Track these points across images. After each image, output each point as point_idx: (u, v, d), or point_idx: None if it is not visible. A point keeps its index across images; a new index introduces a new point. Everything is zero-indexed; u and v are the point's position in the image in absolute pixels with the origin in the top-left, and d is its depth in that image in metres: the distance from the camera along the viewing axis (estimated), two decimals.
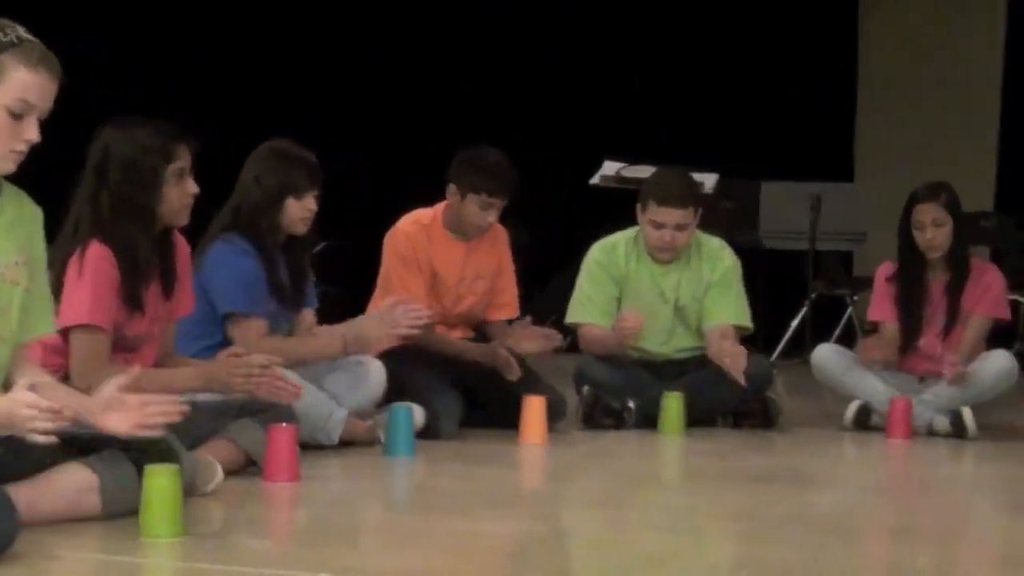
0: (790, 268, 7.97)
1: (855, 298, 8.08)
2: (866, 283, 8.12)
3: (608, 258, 5.11)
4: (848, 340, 7.66)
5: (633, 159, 7.91)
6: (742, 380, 4.69)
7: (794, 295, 7.93)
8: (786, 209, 7.84)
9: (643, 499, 3.70)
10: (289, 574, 2.54)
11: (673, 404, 4.80)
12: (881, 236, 7.76)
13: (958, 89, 9.21)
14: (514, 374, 4.68)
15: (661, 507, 3.58)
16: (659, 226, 4.96)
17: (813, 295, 7.84)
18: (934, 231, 5.06)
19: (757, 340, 7.29)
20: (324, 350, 4.14)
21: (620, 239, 5.16)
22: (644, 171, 7.82)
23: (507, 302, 4.95)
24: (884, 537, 3.19)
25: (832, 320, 8.06)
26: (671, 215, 4.93)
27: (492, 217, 4.74)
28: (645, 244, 5.06)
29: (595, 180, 7.89)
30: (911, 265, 5.18)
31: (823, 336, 7.74)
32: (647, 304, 5.05)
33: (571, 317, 5.15)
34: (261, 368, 3.58)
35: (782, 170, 8.16)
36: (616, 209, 8.27)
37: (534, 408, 4.55)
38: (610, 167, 7.89)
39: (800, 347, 7.77)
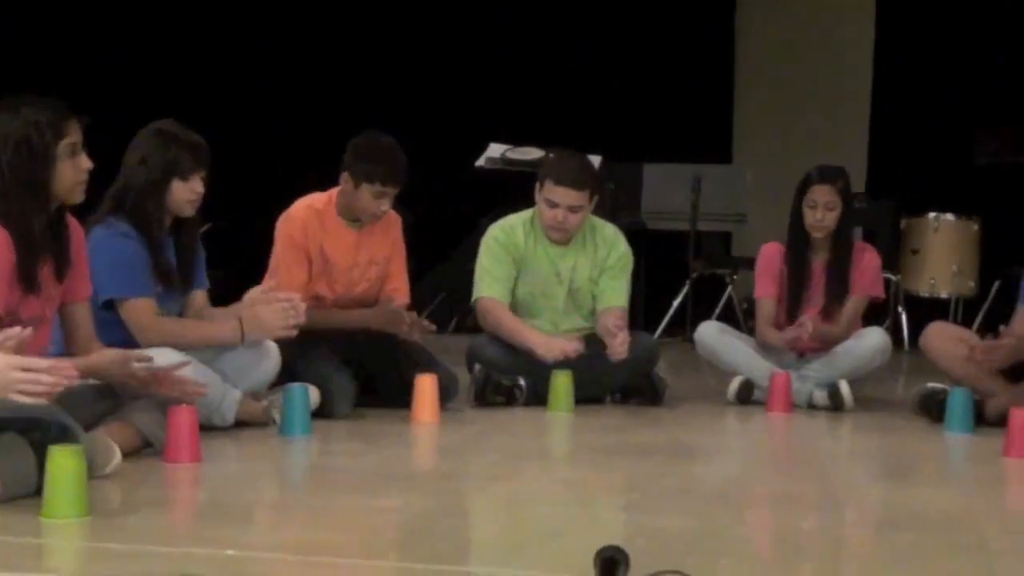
0: (672, 248, 8.14)
1: (735, 277, 8.27)
2: (745, 263, 8.35)
3: (507, 237, 5.19)
4: (728, 318, 7.87)
5: (518, 141, 8.02)
6: (616, 355, 4.80)
7: (676, 275, 8.10)
8: (667, 190, 8.00)
9: (536, 474, 3.78)
10: (194, 551, 2.57)
11: (562, 381, 4.90)
12: (760, 217, 7.99)
13: (831, 74, 9.48)
14: (404, 324, 4.72)
15: (554, 481, 3.67)
16: (553, 205, 5.05)
17: (694, 275, 8.03)
18: (824, 213, 5.24)
19: (639, 319, 7.47)
20: (223, 338, 4.14)
21: (518, 220, 5.24)
22: (529, 153, 7.97)
23: (398, 287, 5.00)
24: (769, 505, 3.32)
25: (712, 299, 8.24)
26: (566, 195, 5.02)
27: (386, 206, 4.78)
28: (540, 222, 5.14)
29: (480, 162, 7.97)
30: (798, 244, 5.35)
31: (704, 314, 7.92)
32: (543, 284, 5.15)
33: (476, 292, 5.21)
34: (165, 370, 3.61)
35: (663, 152, 8.33)
36: (501, 191, 8.40)
37: (425, 387, 4.61)
38: (495, 149, 7.98)
39: (682, 325, 7.95)
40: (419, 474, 3.82)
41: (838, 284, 5.30)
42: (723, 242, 8.87)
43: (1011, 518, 3.33)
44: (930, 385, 4.90)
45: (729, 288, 8.26)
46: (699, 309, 8.02)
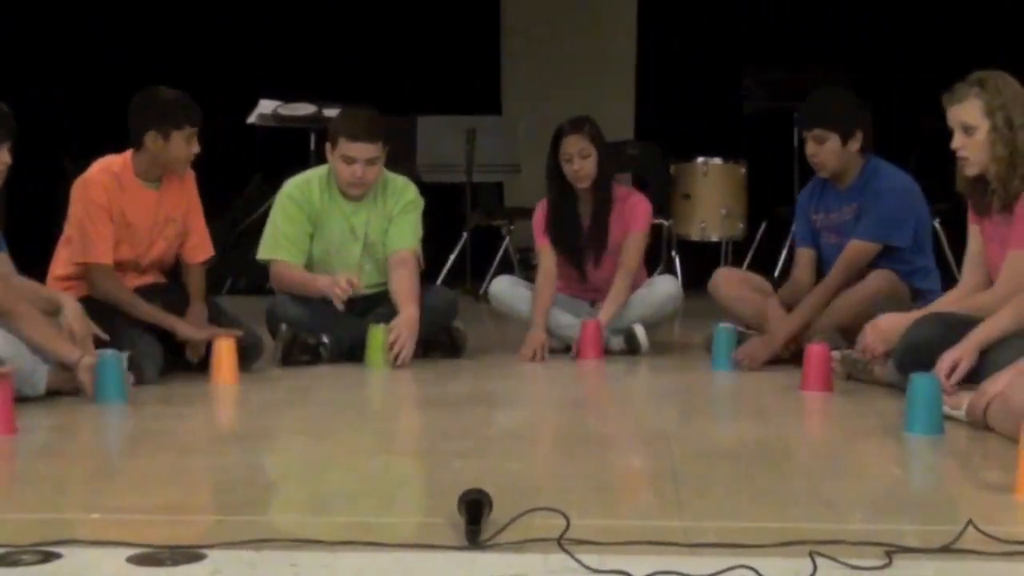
0: (448, 200, 8.37)
1: (511, 228, 8.56)
2: (520, 213, 8.66)
3: (302, 194, 5.31)
4: (507, 269, 8.16)
5: (288, 98, 8.09)
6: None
7: (453, 226, 8.34)
8: (442, 143, 8.22)
9: (364, 426, 3.97)
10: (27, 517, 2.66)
11: (378, 336, 5.07)
12: (532, 167, 8.29)
13: (596, 21, 9.83)
14: (198, 352, 4.82)
15: (384, 432, 3.86)
16: (350, 161, 5.20)
17: (471, 226, 8.28)
18: (581, 162, 5.53)
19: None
20: (56, 350, 4.18)
21: (313, 176, 5.37)
22: (301, 109, 8.06)
23: (199, 243, 5.07)
24: (597, 445, 3.59)
25: (490, 250, 8.51)
26: (362, 149, 5.18)
27: (197, 147, 4.84)
28: (337, 181, 5.29)
29: (252, 119, 8.02)
30: (562, 198, 5.63)
31: (483, 266, 8.22)
32: (338, 241, 5.30)
33: (264, 253, 5.33)
34: None
35: (435, 104, 8.53)
36: (275, 147, 8.47)
37: (223, 349, 4.72)
38: (266, 106, 8.04)
39: (461, 277, 8.21)
40: (250, 433, 3.90)
41: (604, 232, 5.58)
42: (498, 193, 9.14)
43: (822, 444, 3.71)
44: (722, 325, 5.27)
45: (507, 239, 8.53)
46: (477, 261, 8.30)
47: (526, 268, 8.51)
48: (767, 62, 8.61)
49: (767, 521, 2.61)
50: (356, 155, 5.19)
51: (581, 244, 5.60)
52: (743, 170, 8.53)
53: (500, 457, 3.35)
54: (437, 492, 2.88)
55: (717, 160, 8.54)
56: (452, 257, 8.36)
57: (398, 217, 5.36)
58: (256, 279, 8.08)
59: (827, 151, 5.16)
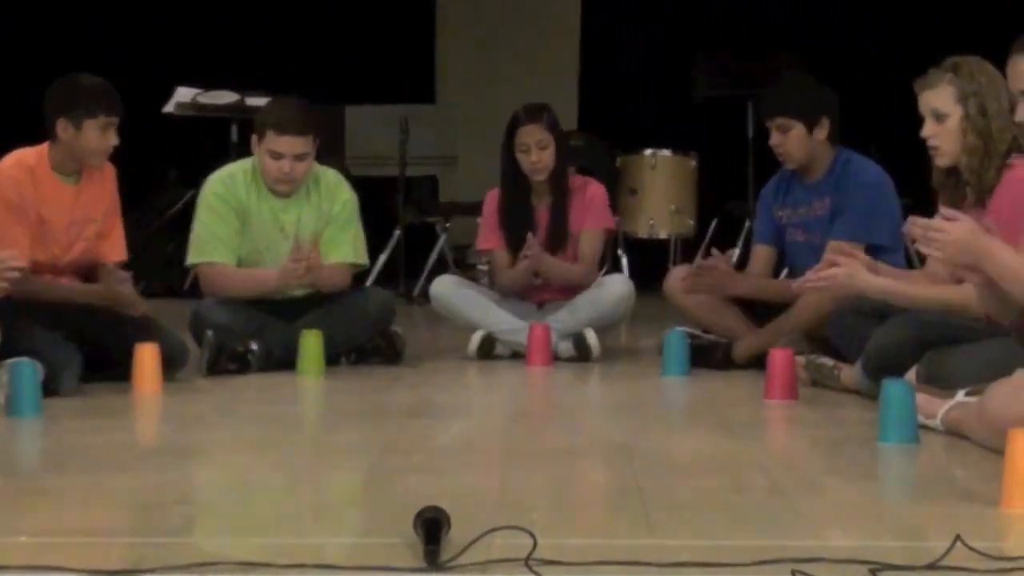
0: (379, 196, 8.36)
1: (447, 225, 8.57)
2: (457, 209, 8.69)
3: (228, 190, 5.29)
4: (442, 269, 8.17)
5: (209, 85, 8.05)
6: None
7: (384, 224, 8.33)
8: (373, 133, 8.23)
9: (303, 440, 3.96)
10: None
11: (312, 342, 5.06)
12: (469, 159, 8.32)
13: (537, 5, 9.86)
14: (137, 308, 4.79)
15: (326, 447, 3.85)
16: (277, 156, 5.19)
17: (404, 223, 8.28)
18: (539, 153, 5.56)
19: None
20: None
21: (238, 170, 5.36)
22: (222, 97, 8.02)
23: (114, 243, 5.03)
24: (554, 459, 3.61)
25: (423, 249, 8.51)
26: (291, 144, 5.17)
27: (114, 138, 4.80)
28: (264, 176, 5.27)
29: (169, 108, 7.97)
30: (516, 190, 5.66)
31: (416, 266, 8.23)
32: (267, 239, 5.29)
33: (195, 256, 5.30)
34: None
35: (365, 93, 8.53)
36: (193, 139, 8.42)
37: (146, 357, 4.69)
38: (184, 94, 8.00)
39: (393, 278, 8.20)
40: (179, 448, 3.87)
41: (562, 227, 5.62)
42: (432, 187, 9.15)
43: (793, 456, 3.76)
44: (678, 329, 5.32)
45: (443, 237, 8.54)
46: (410, 260, 8.31)
47: (462, 269, 8.53)
48: (719, 48, 8.68)
49: (743, 538, 2.65)
50: (284, 150, 5.18)
51: (537, 240, 5.62)
52: (694, 163, 8.61)
53: (453, 472, 3.36)
54: (390, 510, 2.89)
55: (666, 152, 8.61)
56: (383, 257, 8.35)
57: (338, 222, 5.35)
58: (171, 281, 8.04)
59: (791, 140, 5.21)
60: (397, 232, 8.24)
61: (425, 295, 8.02)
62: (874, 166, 5.26)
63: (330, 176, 5.45)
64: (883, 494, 3.18)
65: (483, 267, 9.08)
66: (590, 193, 5.68)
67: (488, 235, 5.74)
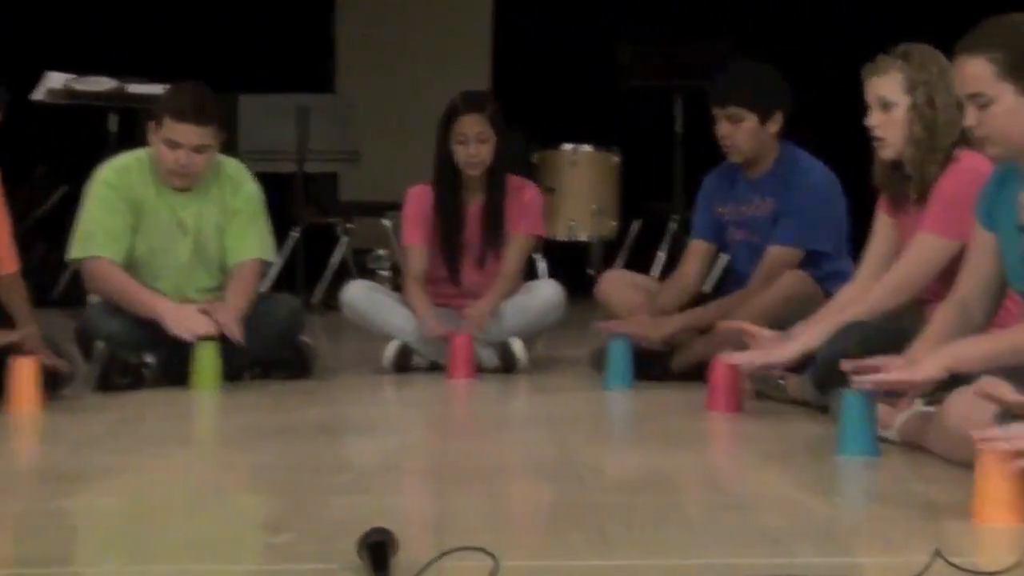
0: (276, 194, 8.33)
1: (349, 226, 8.58)
2: (360, 208, 8.70)
3: (121, 181, 5.27)
4: (343, 274, 8.19)
5: (83, 70, 7.98)
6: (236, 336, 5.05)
7: (282, 224, 8.31)
8: (268, 125, 8.19)
9: (209, 462, 3.97)
10: None
11: (208, 355, 5.07)
12: (373, 155, 8.35)
13: None
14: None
15: (235, 469, 3.86)
16: (174, 145, 5.18)
17: (304, 224, 8.27)
18: (478, 147, 5.60)
19: None
20: None
21: (132, 160, 5.34)
22: (99, 84, 7.96)
23: (3, 255, 4.99)
24: (492, 477, 3.64)
25: (324, 252, 8.52)
26: (189, 133, 5.16)
27: None
28: (159, 167, 5.26)
29: (39, 95, 7.89)
30: (448, 185, 5.69)
31: (316, 271, 8.23)
32: (164, 236, 5.28)
33: (77, 250, 5.26)
34: None
35: (258, 81, 8.50)
36: (67, 129, 8.34)
37: (23, 371, 4.65)
38: (56, 79, 7.91)
39: (292, 283, 8.19)
40: (68, 472, 3.84)
41: (496, 228, 5.69)
42: (333, 185, 9.15)
43: (748, 470, 3.84)
44: (616, 340, 5.38)
45: (344, 239, 8.55)
46: (310, 263, 8.30)
47: (365, 273, 8.54)
48: (644, 36, 8.75)
49: (711, 556, 2.71)
50: (182, 139, 5.17)
51: (464, 241, 5.66)
52: (616, 159, 8.70)
53: (388, 492, 3.39)
54: (324, 535, 2.91)
55: (587, 147, 8.68)
56: (280, 261, 8.33)
57: (243, 216, 5.35)
58: (43, 286, 7.95)
59: (742, 132, 5.30)
60: (295, 233, 8.23)
61: (327, 302, 8.08)
62: (820, 167, 5.36)
63: (232, 166, 5.45)
64: (849, 508, 3.26)
65: (385, 273, 9.13)
66: (527, 197, 5.74)
67: (412, 230, 5.75)
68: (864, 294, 4.49)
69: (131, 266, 5.27)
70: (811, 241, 5.21)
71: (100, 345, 5.11)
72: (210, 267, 5.36)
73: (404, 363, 5.57)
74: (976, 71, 3.62)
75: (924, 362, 3.64)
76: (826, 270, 5.24)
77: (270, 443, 4.17)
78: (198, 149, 5.20)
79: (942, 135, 4.28)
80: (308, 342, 5.51)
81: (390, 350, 5.57)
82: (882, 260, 4.60)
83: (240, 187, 5.40)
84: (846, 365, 3.76)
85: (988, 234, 3.84)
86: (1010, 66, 3.58)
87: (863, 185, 4.71)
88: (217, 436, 4.56)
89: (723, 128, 5.31)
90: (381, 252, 9.09)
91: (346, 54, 9.87)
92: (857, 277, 4.65)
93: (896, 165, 4.46)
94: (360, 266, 8.85)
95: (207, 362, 5.07)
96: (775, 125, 5.30)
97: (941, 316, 3.88)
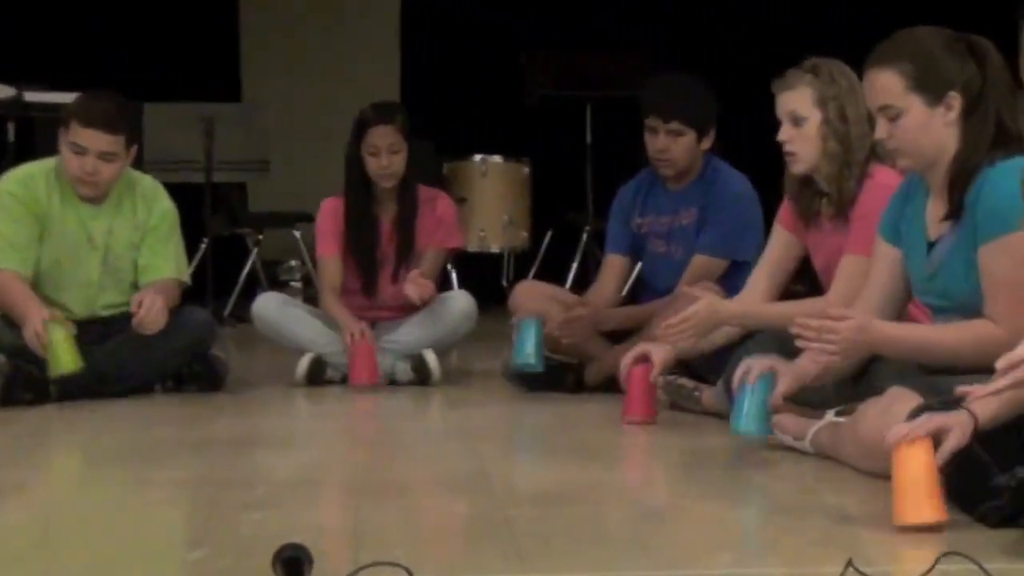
0: (183, 205, 8.27)
1: (259, 237, 8.55)
2: (270, 219, 8.67)
3: (26, 191, 5.21)
4: (253, 286, 8.17)
5: None
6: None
7: (190, 236, 8.25)
8: (174, 135, 8.13)
9: (118, 478, 3.94)
10: None
11: (58, 335, 4.95)
12: (282, 165, 8.32)
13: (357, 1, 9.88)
14: None
15: (145, 484, 3.82)
16: (81, 151, 5.13)
17: (212, 236, 8.22)
18: (390, 158, 5.61)
19: None
20: None
21: (37, 170, 5.28)
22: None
23: None
24: (401, 491, 3.65)
25: (233, 264, 8.47)
26: (96, 139, 5.11)
27: None
28: (66, 175, 5.21)
29: None
30: (360, 197, 5.69)
31: (226, 281, 8.18)
32: (71, 250, 5.23)
33: None
34: None
35: (163, 89, 8.44)
36: None
37: None
38: None
39: (201, 296, 8.14)
40: None
41: (411, 240, 5.70)
42: (241, 195, 9.11)
43: (661, 482, 3.88)
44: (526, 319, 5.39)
45: (254, 251, 8.51)
46: (219, 276, 8.25)
47: (276, 285, 8.52)
48: (553, 46, 8.80)
49: (628, 569, 2.75)
50: (88, 144, 5.12)
51: (379, 253, 5.67)
52: (527, 170, 8.74)
53: (302, 507, 3.40)
54: (239, 551, 2.91)
55: (497, 158, 8.72)
56: (190, 272, 8.28)
57: (157, 234, 5.34)
58: None
59: (680, 147, 5.33)
60: (203, 245, 8.18)
61: (237, 315, 8.04)
62: (741, 177, 5.40)
63: (147, 183, 5.42)
64: (763, 519, 3.31)
65: (296, 284, 9.12)
66: (441, 209, 5.76)
67: (326, 242, 5.73)
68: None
69: (37, 278, 5.22)
70: (736, 251, 5.26)
71: (1, 359, 5.05)
72: (121, 285, 5.32)
73: (317, 376, 5.56)
74: (886, 83, 3.69)
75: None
76: (746, 279, 5.28)
77: (183, 458, 4.16)
78: (105, 157, 5.15)
79: (856, 149, 4.31)
80: (220, 355, 5.48)
81: (303, 363, 5.56)
82: (773, 271, 4.67)
83: (155, 205, 5.37)
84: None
85: (891, 248, 3.91)
86: (919, 78, 3.65)
87: (773, 198, 4.77)
88: (128, 451, 4.51)
89: (660, 141, 5.33)
90: (292, 263, 9.09)
91: (252, 63, 9.82)
92: (748, 285, 4.71)
93: (807, 180, 4.51)
94: (271, 278, 8.84)
95: (60, 343, 4.95)
96: (709, 141, 5.36)
97: None
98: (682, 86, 5.46)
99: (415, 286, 5.43)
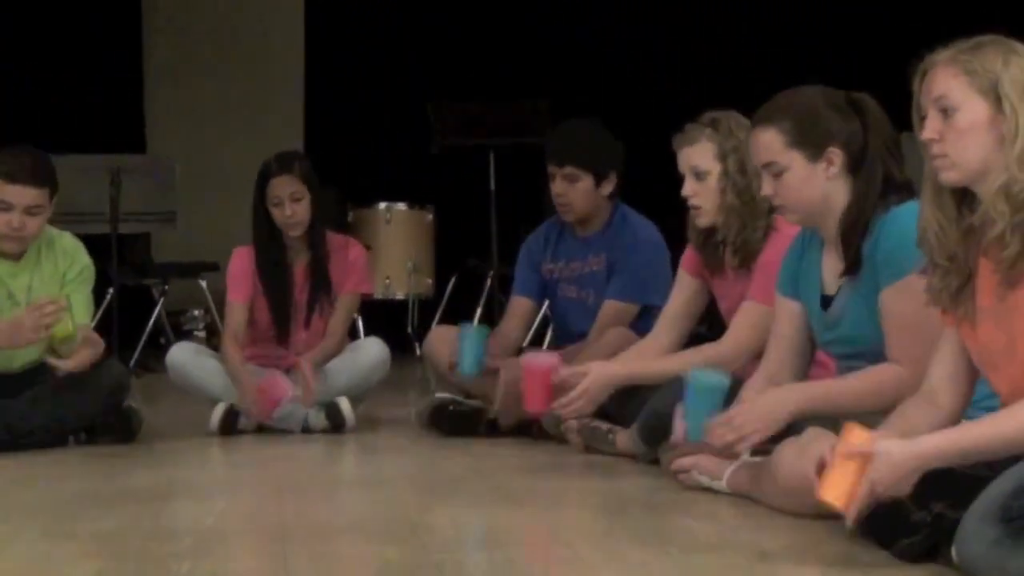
0: (90, 255, 8.21)
1: (165, 288, 8.50)
2: (175, 269, 8.63)
3: None
4: (158, 336, 8.12)
5: None
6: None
7: (97, 287, 8.18)
8: (80, 186, 8.06)
9: (40, 532, 3.89)
10: None
11: None
12: (188, 216, 8.29)
13: (257, 49, 9.88)
14: None
15: (68, 538, 3.78)
16: (7, 207, 5.09)
17: (118, 286, 8.16)
18: (293, 206, 5.62)
19: None
20: None
21: None
22: None
23: None
24: (338, 538, 3.65)
25: (138, 315, 8.42)
26: (22, 194, 5.08)
27: None
28: None
29: None
30: (270, 248, 5.70)
31: (133, 334, 8.14)
32: None
33: None
34: None
35: (68, 141, 8.40)
36: None
37: None
38: None
39: (107, 344, 8.05)
40: None
41: (323, 287, 5.71)
42: (146, 246, 9.06)
43: (584, 526, 3.90)
44: (438, 396, 5.44)
45: (160, 302, 8.46)
46: (124, 326, 8.19)
47: (180, 335, 8.48)
48: (456, 96, 8.86)
49: None
50: (15, 200, 5.10)
51: (292, 301, 5.66)
52: (430, 216, 8.81)
53: (228, 556, 3.38)
54: None
55: (401, 206, 8.79)
56: (94, 323, 8.21)
57: (74, 284, 5.33)
58: None
59: (578, 192, 5.39)
60: (109, 296, 8.12)
61: (143, 365, 7.99)
62: (649, 224, 5.48)
63: (67, 240, 5.42)
64: (683, 559, 3.34)
65: (200, 333, 9.07)
66: (352, 255, 5.78)
67: (236, 288, 5.71)
68: (659, 349, 4.64)
69: None
70: (645, 295, 5.32)
71: None
72: (40, 341, 5.26)
73: (230, 426, 5.54)
74: (767, 141, 3.78)
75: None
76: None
77: (102, 510, 4.11)
78: (31, 211, 5.13)
79: (760, 200, 4.27)
80: (134, 406, 5.45)
81: (216, 413, 5.54)
82: (678, 317, 4.74)
83: (75, 260, 5.38)
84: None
85: (791, 302, 3.99)
86: (798, 135, 3.75)
87: (681, 243, 4.84)
88: (47, 504, 4.46)
89: (558, 186, 5.40)
90: (196, 312, 9.05)
91: (157, 114, 9.79)
92: (654, 331, 4.78)
93: (711, 231, 4.59)
94: (175, 327, 8.79)
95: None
96: (610, 186, 5.42)
97: (751, 393, 3.99)
98: (580, 132, 5.53)
99: (308, 393, 5.44)
